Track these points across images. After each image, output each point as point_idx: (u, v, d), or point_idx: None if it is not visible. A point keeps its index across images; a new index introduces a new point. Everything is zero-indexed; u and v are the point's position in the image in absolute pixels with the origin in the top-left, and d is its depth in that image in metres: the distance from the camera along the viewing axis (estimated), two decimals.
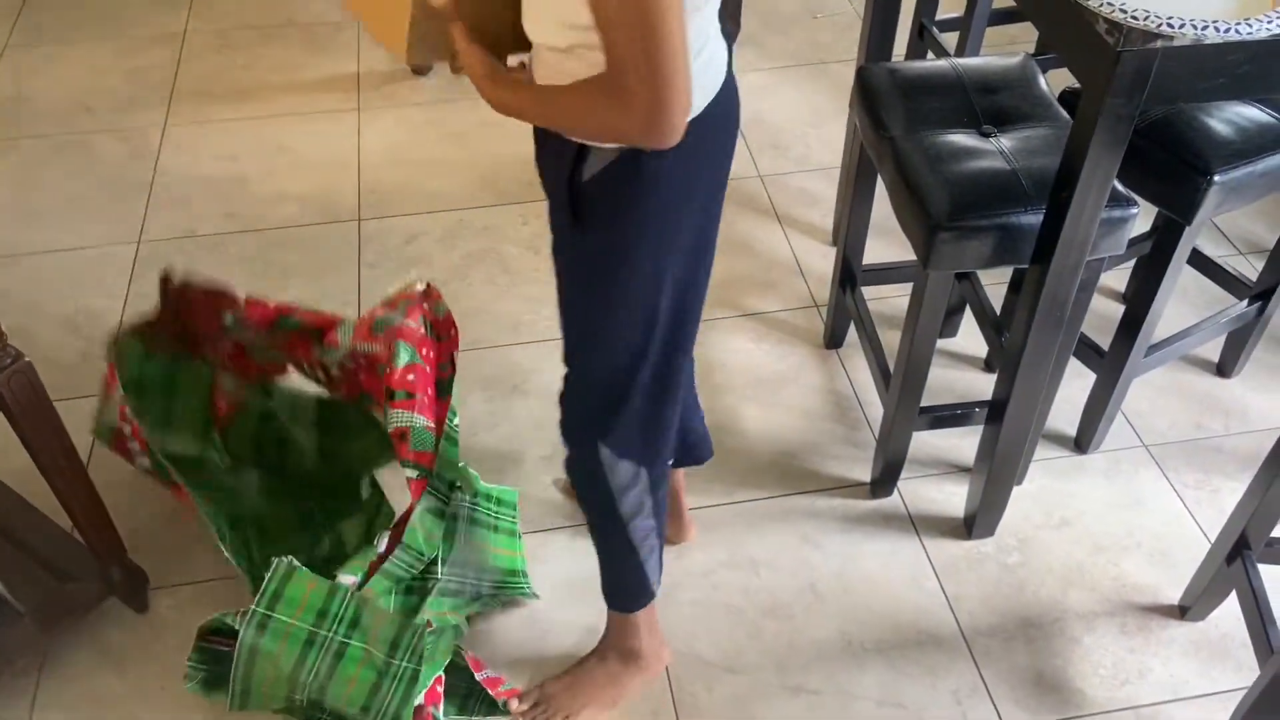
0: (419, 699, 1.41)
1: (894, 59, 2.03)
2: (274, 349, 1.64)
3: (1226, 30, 1.16)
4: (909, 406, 1.71)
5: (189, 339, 1.65)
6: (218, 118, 2.63)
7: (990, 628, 1.64)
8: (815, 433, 1.93)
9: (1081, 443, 1.90)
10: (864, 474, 1.86)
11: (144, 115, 2.64)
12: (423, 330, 1.49)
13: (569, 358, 1.31)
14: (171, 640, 1.61)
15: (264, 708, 1.48)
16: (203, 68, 2.80)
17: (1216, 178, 1.49)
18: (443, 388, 1.50)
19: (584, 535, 1.75)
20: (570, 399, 1.32)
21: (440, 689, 1.47)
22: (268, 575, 1.34)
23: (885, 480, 1.83)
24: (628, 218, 1.13)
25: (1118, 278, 2.17)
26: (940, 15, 2.31)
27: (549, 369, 2.04)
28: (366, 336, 1.50)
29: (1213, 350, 2.04)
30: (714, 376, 2.02)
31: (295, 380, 1.74)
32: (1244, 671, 1.59)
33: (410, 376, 1.43)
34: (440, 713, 1.46)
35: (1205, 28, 1.16)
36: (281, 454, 1.73)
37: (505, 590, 1.62)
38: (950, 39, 2.38)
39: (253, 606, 1.34)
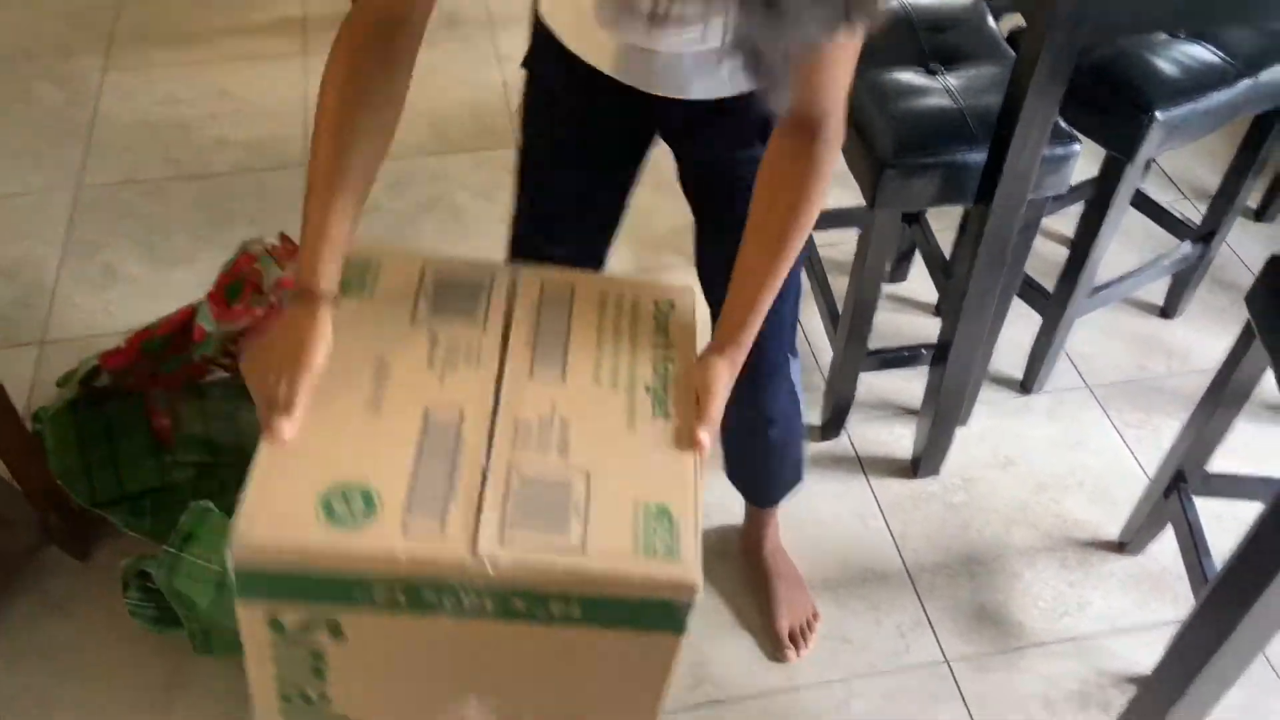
0: None
1: None
2: (163, 369, 1.60)
3: None
4: (857, 349, 1.72)
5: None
6: (159, 62, 2.56)
7: (934, 564, 1.67)
8: None
9: (1026, 384, 1.92)
10: (814, 417, 1.87)
11: (83, 60, 2.56)
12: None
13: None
14: (114, 588, 1.59)
15: (231, 653, 1.47)
16: (143, 11, 2.72)
17: (1159, 114, 1.50)
18: None
19: None
20: (772, 341, 1.25)
21: None
22: (183, 518, 1.33)
23: (834, 422, 1.84)
24: None
25: (1065, 223, 2.18)
26: None
27: None
28: (225, 311, 1.47)
29: (1157, 293, 2.07)
30: None
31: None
32: (1180, 603, 1.63)
33: None
34: None
35: None
36: (240, 446, 1.69)
37: None
38: None
39: (165, 547, 1.32)
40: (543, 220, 1.33)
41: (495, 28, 2.71)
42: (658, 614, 0.85)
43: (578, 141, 1.23)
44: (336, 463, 0.85)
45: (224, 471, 1.65)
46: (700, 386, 0.96)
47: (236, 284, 1.52)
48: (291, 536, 0.81)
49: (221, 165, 2.31)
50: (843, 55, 0.94)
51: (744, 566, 1.64)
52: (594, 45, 1.09)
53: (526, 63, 1.22)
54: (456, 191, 2.27)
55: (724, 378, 0.98)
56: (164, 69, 2.55)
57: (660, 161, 1.31)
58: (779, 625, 1.55)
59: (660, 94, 1.09)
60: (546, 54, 1.16)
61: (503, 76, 2.57)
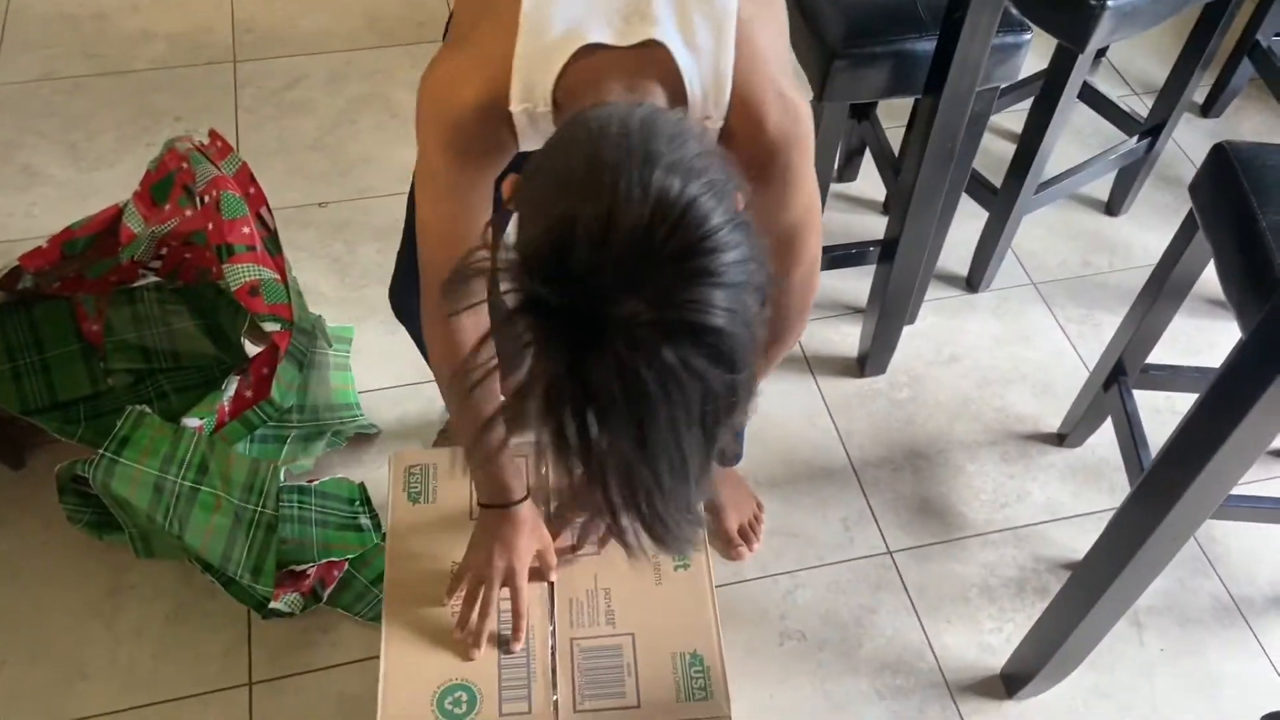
0: (310, 565, 1.39)
1: None
2: (89, 272, 1.53)
3: None
4: None
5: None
6: None
7: (879, 459, 1.69)
8: None
9: (972, 282, 1.93)
10: None
11: None
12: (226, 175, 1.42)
13: None
14: (50, 496, 1.55)
15: (172, 556, 1.46)
16: None
17: (1109, 2, 1.47)
18: (270, 243, 1.44)
19: None
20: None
21: (337, 574, 1.45)
22: (119, 422, 1.30)
23: None
24: None
25: (1014, 120, 2.17)
26: None
27: None
28: (153, 211, 1.42)
29: (1102, 189, 2.07)
30: None
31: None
32: (1116, 492, 1.67)
33: (245, 229, 1.37)
34: (325, 594, 1.44)
35: None
36: (175, 352, 1.64)
37: (346, 425, 1.60)
38: None
39: (100, 451, 1.30)
40: None
41: None
42: None
43: None
44: (443, 665, 1.07)
45: (159, 377, 1.61)
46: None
47: (164, 183, 1.45)
48: None
49: (145, 60, 2.20)
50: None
51: None
52: None
53: None
54: (394, 88, 2.19)
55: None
56: None
57: None
58: (728, 525, 1.56)
59: None
60: None
61: None
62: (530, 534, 1.12)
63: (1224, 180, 1.21)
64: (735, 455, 1.60)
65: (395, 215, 1.98)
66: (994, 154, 2.11)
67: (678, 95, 0.83)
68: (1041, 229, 2.02)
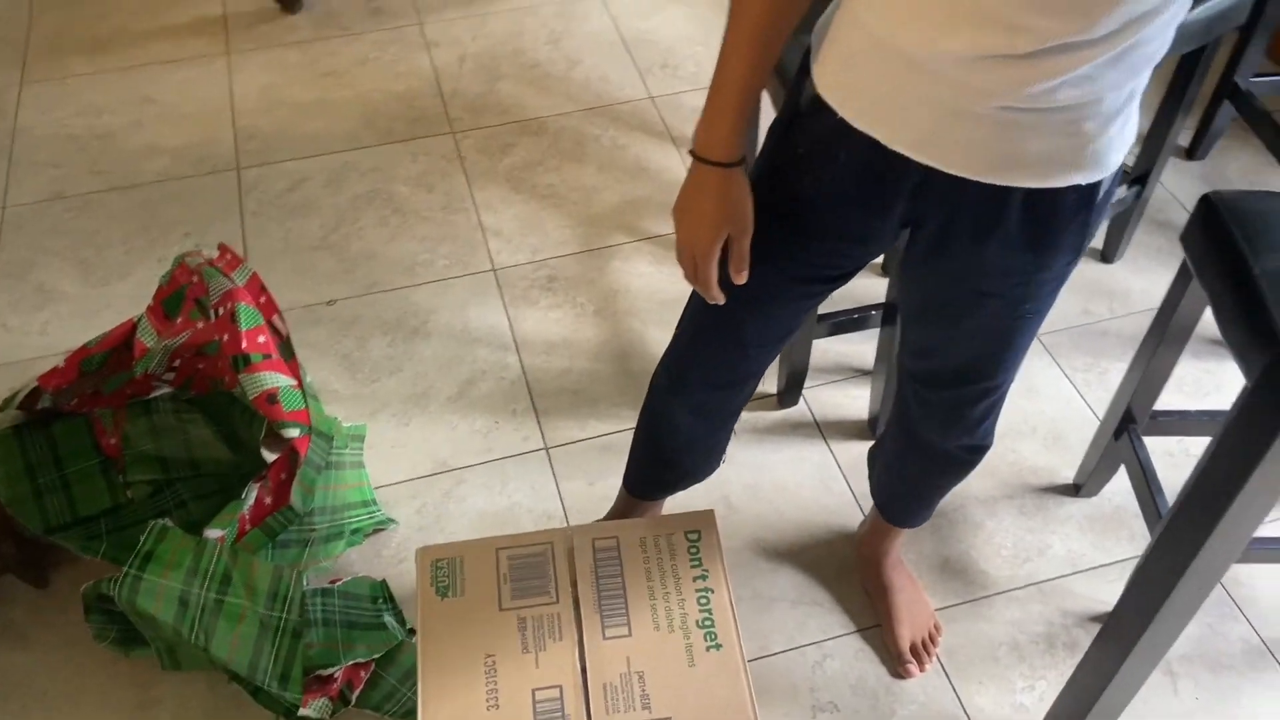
0: (337, 669, 1.40)
1: None
2: (105, 388, 1.56)
3: None
4: (809, 315, 1.73)
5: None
6: (77, 71, 2.49)
7: None
8: None
9: None
10: (770, 386, 1.88)
11: None
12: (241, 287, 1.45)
13: (1005, 379, 1.24)
14: (75, 614, 1.56)
15: (199, 667, 1.46)
16: (56, 19, 2.64)
17: None
18: (284, 349, 1.47)
19: (493, 472, 1.75)
20: (996, 410, 1.30)
21: (364, 674, 1.45)
22: (142, 537, 1.31)
23: (791, 389, 1.85)
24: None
25: None
26: None
27: (447, 307, 2.01)
28: (166, 325, 1.45)
29: (1097, 238, 2.10)
30: (617, 302, 2.01)
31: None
32: (1136, 540, 1.66)
33: (261, 338, 1.40)
34: (354, 696, 1.43)
35: None
36: (192, 460, 1.66)
37: (364, 523, 1.62)
38: None
39: (125, 568, 1.31)
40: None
41: (421, 13, 2.67)
42: None
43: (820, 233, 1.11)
44: None
45: (178, 486, 1.63)
46: None
47: (176, 297, 1.49)
48: None
49: (150, 174, 2.26)
50: None
51: (863, 575, 1.60)
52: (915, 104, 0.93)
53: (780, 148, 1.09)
54: (394, 183, 2.24)
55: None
56: (83, 78, 2.48)
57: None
58: (900, 639, 1.51)
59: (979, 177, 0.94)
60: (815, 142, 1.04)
61: (432, 62, 2.53)
62: (738, 206, 1.03)
63: (1214, 230, 1.23)
64: (924, 516, 1.51)
65: (401, 308, 2.02)
66: None
67: None
68: None
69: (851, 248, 1.11)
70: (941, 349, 1.20)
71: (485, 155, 2.31)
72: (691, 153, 1.03)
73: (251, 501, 1.40)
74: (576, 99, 2.43)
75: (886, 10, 0.90)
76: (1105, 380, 1.88)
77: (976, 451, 1.34)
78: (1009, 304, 1.09)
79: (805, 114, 1.02)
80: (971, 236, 1.01)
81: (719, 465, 1.47)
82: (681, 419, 1.34)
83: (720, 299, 1.08)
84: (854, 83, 0.96)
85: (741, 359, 1.24)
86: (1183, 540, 1.24)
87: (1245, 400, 1.15)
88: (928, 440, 1.34)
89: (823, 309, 1.73)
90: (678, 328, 1.26)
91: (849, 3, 0.95)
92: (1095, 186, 0.97)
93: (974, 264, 1.05)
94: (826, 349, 1.93)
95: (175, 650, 1.44)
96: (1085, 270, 2.08)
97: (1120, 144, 0.96)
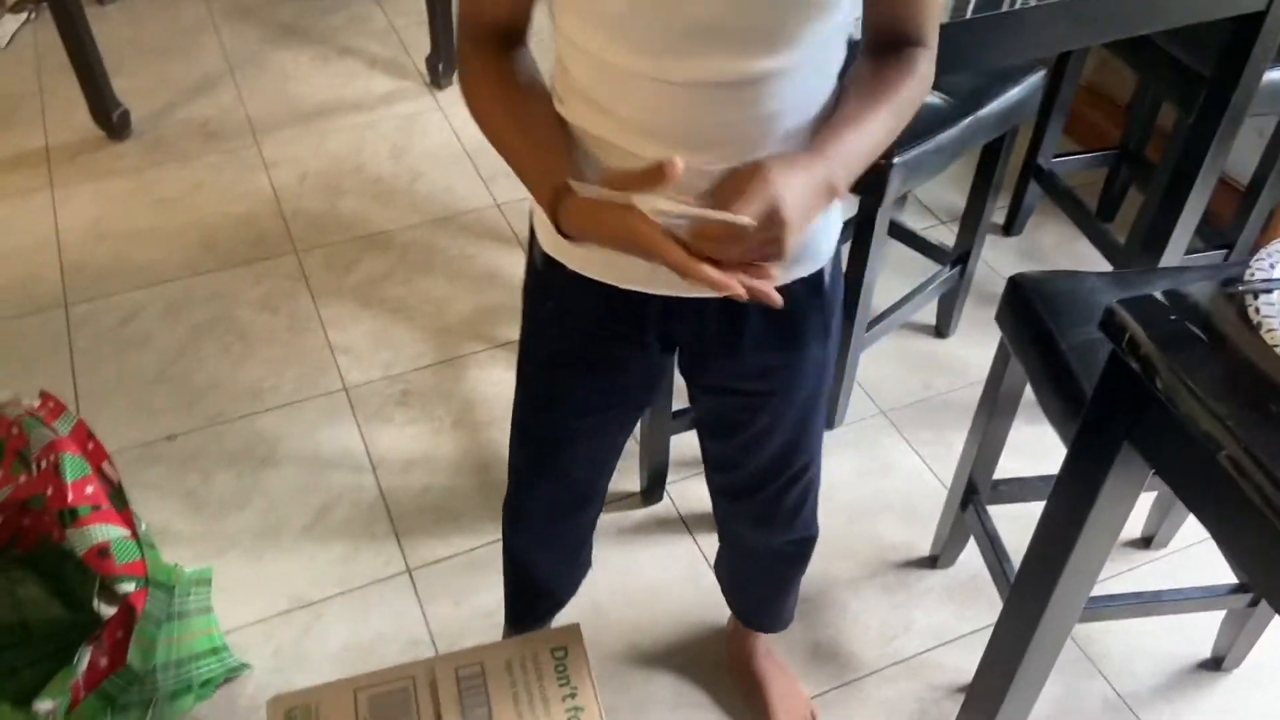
0: None
1: None
2: None
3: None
4: (663, 413, 1.75)
5: None
6: None
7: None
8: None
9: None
10: (633, 484, 1.88)
11: None
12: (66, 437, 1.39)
13: (806, 467, 1.25)
14: None
15: None
16: None
17: (895, 160, 1.60)
18: (115, 498, 1.41)
19: (354, 602, 1.69)
20: (809, 500, 1.31)
21: None
22: None
23: (653, 487, 1.86)
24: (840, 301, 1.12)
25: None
26: None
27: (297, 432, 1.95)
28: None
29: (929, 314, 2.21)
30: (476, 412, 1.99)
31: None
32: (994, 606, 1.71)
33: (89, 489, 1.33)
34: None
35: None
36: (23, 623, 1.55)
37: (215, 672, 1.54)
38: None
39: None
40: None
41: (257, 134, 2.64)
42: None
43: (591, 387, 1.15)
44: None
45: (9, 653, 1.51)
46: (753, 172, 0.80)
47: None
48: None
49: None
50: None
51: (735, 673, 1.59)
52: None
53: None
54: (237, 308, 2.19)
55: (794, 174, 0.81)
56: None
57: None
58: None
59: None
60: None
61: (271, 182, 2.50)
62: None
63: (1023, 311, 1.31)
64: (782, 617, 1.52)
65: (248, 437, 1.95)
66: None
67: None
68: (882, 359, 2.13)
69: (624, 377, 1.14)
70: (738, 458, 1.24)
71: (331, 272, 2.28)
72: (564, 234, 0.88)
73: (85, 666, 1.30)
74: (422, 210, 2.44)
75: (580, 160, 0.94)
76: (951, 452, 1.96)
77: (804, 544, 1.38)
78: (783, 397, 1.14)
79: (542, 272, 1.06)
80: (723, 345, 1.07)
81: (586, 573, 1.47)
82: (535, 553, 1.37)
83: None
84: None
85: (571, 489, 1.28)
86: (1027, 604, 1.29)
87: (1063, 471, 1.22)
88: (752, 545, 1.39)
89: (677, 405, 1.76)
90: (509, 467, 1.28)
91: None
92: (819, 274, 1.04)
93: (735, 371, 1.11)
94: (686, 442, 1.95)
95: None
96: (921, 346, 2.18)
97: (826, 233, 1.03)
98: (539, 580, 1.44)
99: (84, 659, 1.30)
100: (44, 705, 1.26)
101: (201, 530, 1.78)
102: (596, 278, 1.01)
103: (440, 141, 2.65)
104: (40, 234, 2.33)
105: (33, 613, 1.53)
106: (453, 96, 2.81)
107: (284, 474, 1.88)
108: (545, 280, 1.07)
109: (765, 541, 1.35)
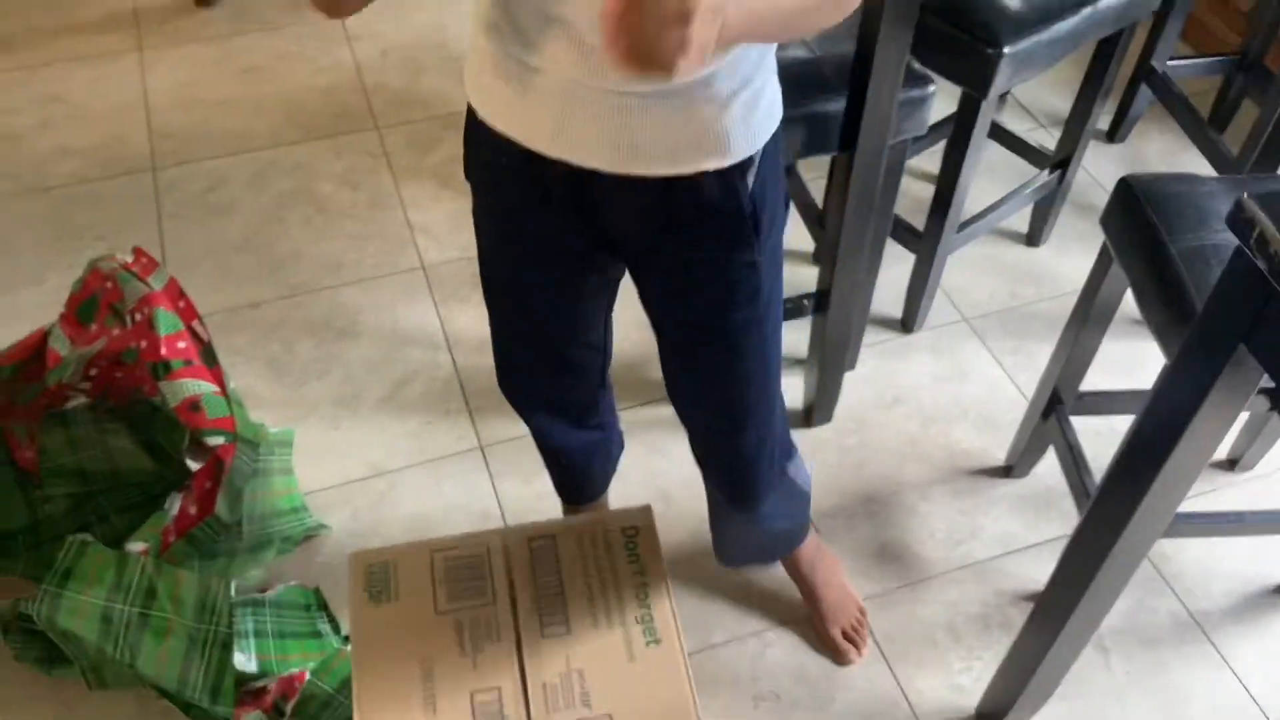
0: (271, 678, 1.36)
1: None
2: (19, 399, 1.50)
3: None
4: None
5: None
6: None
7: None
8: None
9: (907, 323, 1.97)
10: None
11: None
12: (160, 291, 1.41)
13: (750, 424, 1.19)
14: None
15: (126, 685, 1.41)
16: None
17: (1006, 49, 1.53)
18: (206, 355, 1.43)
19: (427, 473, 1.72)
20: (759, 463, 1.26)
21: (299, 685, 1.41)
22: (60, 553, 1.27)
23: None
24: (778, 216, 1.03)
25: (931, 161, 2.23)
26: None
27: (376, 306, 1.97)
28: (80, 333, 1.40)
29: (1022, 222, 2.14)
30: None
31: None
32: (1067, 520, 1.69)
33: (180, 344, 1.36)
34: (288, 707, 1.40)
35: None
36: (114, 472, 1.60)
37: (294, 530, 1.58)
38: None
39: (43, 585, 1.26)
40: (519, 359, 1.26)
41: None
42: None
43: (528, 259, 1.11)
44: None
45: (99, 499, 1.57)
46: None
47: (90, 303, 1.43)
48: None
49: (61, 176, 2.18)
50: None
51: (787, 570, 1.58)
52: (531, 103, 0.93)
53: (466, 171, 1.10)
54: (318, 181, 2.19)
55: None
56: None
57: None
58: (832, 632, 1.53)
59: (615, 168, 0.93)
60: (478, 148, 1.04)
61: (354, 56, 2.48)
62: None
63: (1131, 213, 1.26)
64: (804, 514, 1.50)
65: (328, 309, 1.98)
66: (914, 196, 2.17)
67: None
68: (967, 265, 2.07)
69: (557, 239, 1.07)
70: (685, 389, 1.21)
71: (411, 151, 2.27)
72: None
73: (175, 512, 1.36)
74: None
75: (496, 14, 0.90)
76: (1033, 363, 1.92)
77: (765, 518, 1.37)
78: (711, 308, 1.07)
79: (470, 124, 1.02)
80: (647, 244, 1.02)
81: (616, 451, 1.49)
82: (537, 418, 1.35)
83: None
84: (488, 85, 0.96)
85: (545, 351, 1.24)
86: (1109, 517, 1.26)
87: (1165, 378, 1.18)
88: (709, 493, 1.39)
89: None
90: (490, 329, 1.25)
91: (473, 14, 0.95)
92: (736, 170, 0.95)
93: (658, 270, 1.06)
94: None
95: (100, 668, 1.39)
96: (1011, 254, 2.11)
97: (747, 129, 0.93)
98: (560, 452, 1.42)
99: (175, 505, 1.35)
100: (136, 546, 1.32)
101: (283, 395, 1.82)
102: (504, 131, 0.95)
103: None
104: (129, 97, 2.34)
105: (122, 463, 1.59)
106: None
107: (362, 346, 1.91)
108: (470, 126, 1.02)
109: (714, 491, 1.35)
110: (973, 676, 1.52)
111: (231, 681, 1.33)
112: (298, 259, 2.05)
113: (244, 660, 1.34)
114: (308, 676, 1.42)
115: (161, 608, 1.30)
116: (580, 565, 1.25)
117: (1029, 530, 1.68)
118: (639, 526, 1.28)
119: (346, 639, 1.46)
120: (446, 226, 2.12)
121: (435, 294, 2.00)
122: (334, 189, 2.18)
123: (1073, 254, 2.11)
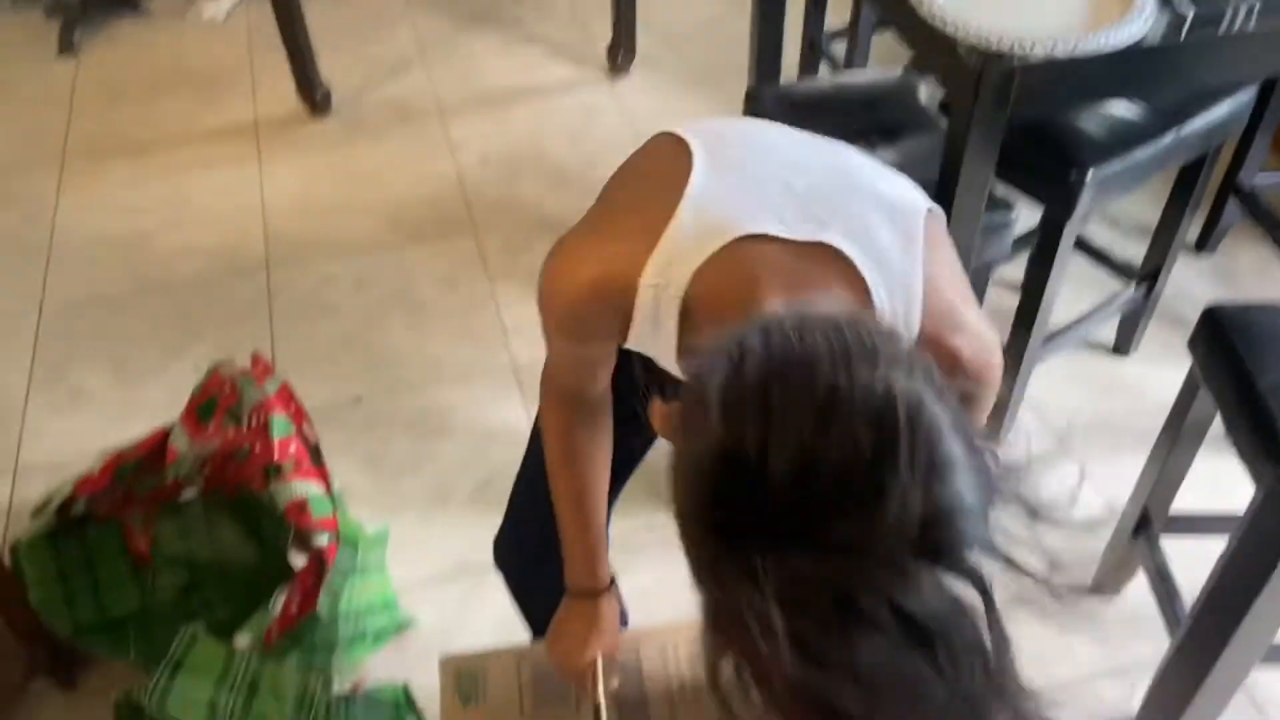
0: None
1: (786, 73, 2.08)
2: (138, 491, 1.61)
3: (1072, 46, 1.22)
4: None
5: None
6: (114, 173, 2.59)
7: None
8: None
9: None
10: None
11: (37, 178, 2.58)
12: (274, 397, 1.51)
13: None
14: (106, 713, 1.58)
15: None
16: (93, 123, 2.75)
17: (1091, 172, 1.55)
18: (314, 456, 1.51)
19: None
20: None
21: None
22: (174, 644, 1.34)
23: None
24: None
25: (1017, 269, 2.24)
26: (827, 27, 2.37)
27: (465, 405, 2.04)
28: (199, 431, 1.50)
29: (1108, 330, 2.13)
30: None
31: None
32: (1157, 639, 1.65)
33: (292, 447, 1.45)
34: None
35: (1054, 45, 1.22)
36: (219, 562, 1.69)
37: (387, 626, 1.64)
38: (840, 48, 2.44)
39: (155, 677, 1.33)
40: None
41: (445, 116, 2.76)
42: None
43: None
44: None
45: (206, 589, 1.65)
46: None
47: (209, 404, 1.54)
48: None
49: (185, 274, 2.33)
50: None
51: None
52: None
53: None
54: (419, 284, 2.30)
55: None
56: (119, 180, 2.57)
57: None
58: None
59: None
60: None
61: (455, 165, 2.61)
62: (614, 620, 1.13)
63: (1218, 343, 1.26)
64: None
65: (425, 405, 2.06)
66: (999, 306, 2.18)
67: (861, 304, 0.74)
68: (1053, 376, 2.06)
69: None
70: None
71: (507, 253, 2.37)
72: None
73: (279, 609, 1.42)
74: (594, 196, 2.50)
75: None
76: (1122, 477, 1.89)
77: None
78: None
79: None
80: None
81: None
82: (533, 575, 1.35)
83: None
84: None
85: None
86: (1201, 648, 1.25)
87: (1256, 509, 1.17)
88: None
89: None
90: (509, 504, 1.32)
91: None
92: None
93: None
94: None
95: None
96: (1098, 364, 2.10)
97: None
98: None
99: (278, 602, 1.42)
100: (244, 640, 1.38)
101: (378, 490, 1.90)
102: None
103: (616, 129, 2.71)
104: (249, 201, 2.51)
105: (229, 553, 1.68)
106: (630, 86, 2.86)
107: (453, 444, 1.98)
108: None
109: None
110: None
111: None
112: (398, 358, 2.14)
113: None
114: None
115: (264, 701, 1.36)
116: (663, 674, 1.27)
117: (1120, 651, 1.65)
118: None
119: None
120: (538, 327, 2.19)
121: (524, 394, 2.07)
122: (434, 291, 2.29)
123: (1163, 362, 2.08)
